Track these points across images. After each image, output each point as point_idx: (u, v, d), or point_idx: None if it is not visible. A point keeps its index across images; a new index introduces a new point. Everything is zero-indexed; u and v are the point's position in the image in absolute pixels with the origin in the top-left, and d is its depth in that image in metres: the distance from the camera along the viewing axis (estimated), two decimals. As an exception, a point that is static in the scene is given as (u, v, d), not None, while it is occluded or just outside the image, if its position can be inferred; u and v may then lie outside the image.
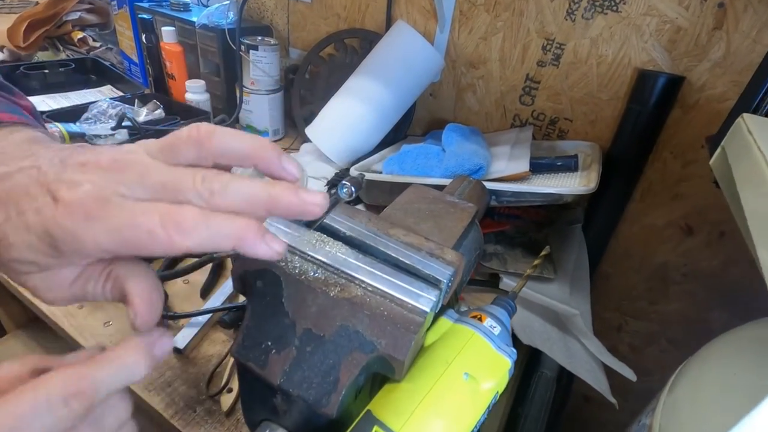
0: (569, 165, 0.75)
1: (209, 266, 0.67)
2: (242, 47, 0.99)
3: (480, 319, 0.31)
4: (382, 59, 0.86)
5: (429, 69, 0.87)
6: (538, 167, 0.75)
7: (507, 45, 0.87)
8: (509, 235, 0.78)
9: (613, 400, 0.58)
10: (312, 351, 0.27)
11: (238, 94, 1.03)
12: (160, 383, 0.52)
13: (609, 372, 0.63)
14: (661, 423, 0.43)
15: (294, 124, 1.12)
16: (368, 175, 0.79)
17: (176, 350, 0.56)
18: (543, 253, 0.44)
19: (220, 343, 0.58)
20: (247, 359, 0.28)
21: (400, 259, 0.30)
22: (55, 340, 0.77)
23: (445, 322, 0.31)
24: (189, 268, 0.63)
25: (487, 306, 0.35)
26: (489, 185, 0.66)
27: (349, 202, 0.82)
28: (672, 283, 0.90)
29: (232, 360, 0.55)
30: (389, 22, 0.98)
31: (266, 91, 1.04)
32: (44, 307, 0.60)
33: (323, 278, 0.28)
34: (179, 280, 0.66)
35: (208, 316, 0.59)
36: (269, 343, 0.28)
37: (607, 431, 1.15)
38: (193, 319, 0.59)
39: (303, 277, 0.28)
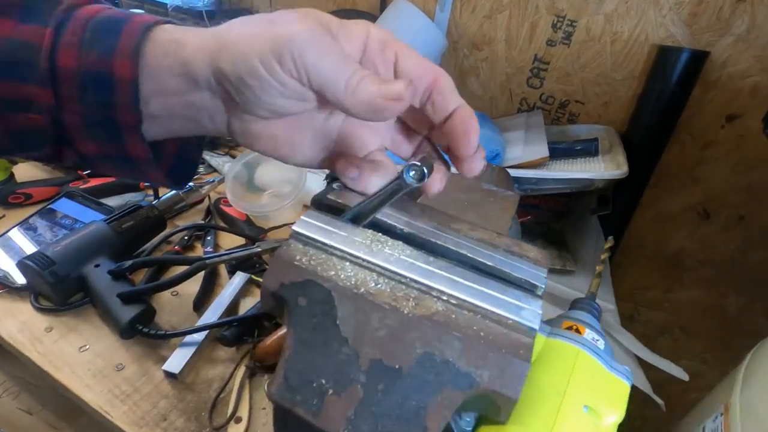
0: (589, 149, 0.70)
1: (200, 275, 0.58)
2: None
3: (578, 331, 0.25)
4: (382, 40, 0.79)
5: (432, 50, 0.80)
6: (555, 153, 0.70)
7: (514, 23, 0.81)
8: (527, 225, 0.73)
9: (659, 400, 0.53)
10: (385, 390, 0.20)
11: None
12: (153, 416, 0.44)
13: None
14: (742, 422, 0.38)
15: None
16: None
17: (169, 375, 0.47)
18: (607, 245, 0.38)
19: (221, 364, 0.50)
20: (293, 403, 0.21)
21: (480, 260, 0.24)
22: (21, 369, 0.66)
23: (537, 338, 0.25)
24: (177, 278, 0.54)
25: (572, 312, 0.29)
26: (511, 172, 0.60)
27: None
28: (687, 270, 0.88)
29: (238, 383, 0.47)
30: (384, 2, 0.91)
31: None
32: (3, 332, 0.50)
33: (389, 290, 0.22)
34: (166, 293, 0.58)
35: (204, 333, 0.51)
36: (323, 381, 0.20)
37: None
38: (188, 338, 0.50)
39: (362, 289, 0.21)
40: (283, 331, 0.49)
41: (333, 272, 0.22)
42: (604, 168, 0.64)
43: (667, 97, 0.69)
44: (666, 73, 0.68)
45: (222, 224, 0.71)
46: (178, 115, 0.25)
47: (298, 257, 0.23)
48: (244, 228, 0.69)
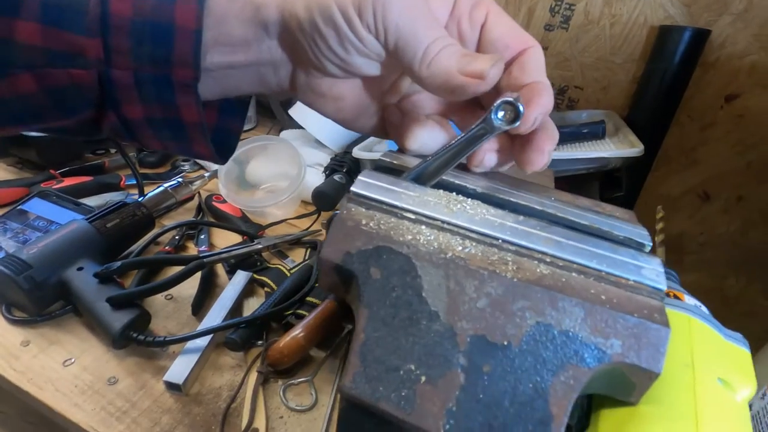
0: (597, 132, 0.68)
1: (197, 276, 0.53)
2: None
3: (676, 298, 0.22)
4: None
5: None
6: (562, 137, 0.68)
7: (511, 8, 0.80)
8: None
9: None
10: (493, 372, 0.16)
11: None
12: (157, 435, 0.38)
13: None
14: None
15: (267, 110, 0.99)
16: (373, 155, 0.68)
17: (172, 387, 0.42)
18: (659, 215, 0.36)
19: (229, 371, 0.45)
20: (376, 398, 0.17)
21: (573, 219, 0.20)
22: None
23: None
24: (172, 280, 0.48)
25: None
26: (526, 155, 0.58)
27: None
28: (688, 254, 0.88)
29: (251, 391, 0.42)
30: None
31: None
32: (-27, 351, 0.43)
33: (480, 254, 0.18)
34: (159, 297, 0.52)
35: (208, 337, 0.45)
36: (412, 367, 0.17)
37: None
38: (189, 344, 0.45)
39: (450, 254, 0.18)
40: (298, 331, 0.45)
41: (410, 236, 0.18)
42: (614, 148, 0.63)
43: (670, 77, 0.68)
44: (668, 53, 0.68)
45: (215, 221, 0.66)
46: (240, 68, 0.22)
47: (363, 221, 0.19)
48: (241, 225, 0.64)
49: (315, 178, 0.72)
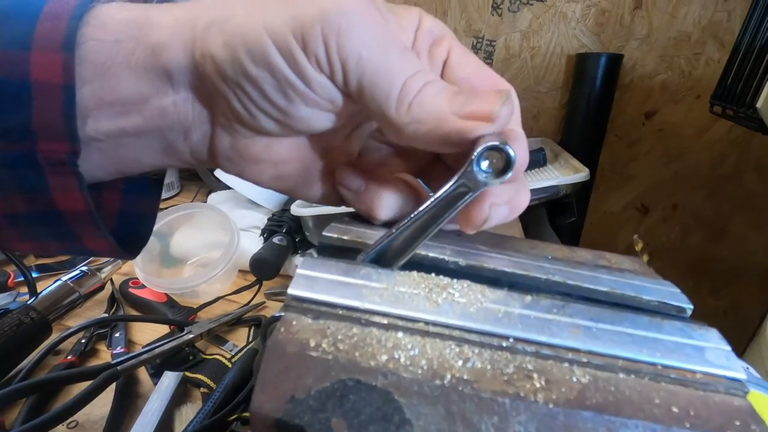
0: (538, 160, 0.68)
1: (111, 388, 0.42)
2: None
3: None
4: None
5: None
6: (505, 168, 0.67)
7: (434, 49, 0.80)
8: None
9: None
10: None
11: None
12: None
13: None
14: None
15: (191, 174, 0.90)
16: (315, 210, 0.62)
17: None
18: (638, 246, 0.33)
19: None
20: None
21: (587, 286, 0.16)
22: None
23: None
24: (75, 403, 0.37)
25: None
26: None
27: (295, 248, 0.64)
28: (638, 266, 0.89)
29: None
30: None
31: (149, 136, 0.81)
32: None
33: (490, 368, 0.12)
34: (61, 427, 0.40)
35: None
36: None
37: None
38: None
39: (448, 377, 0.12)
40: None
41: (385, 356, 0.12)
42: (560, 175, 0.62)
43: (594, 100, 0.71)
44: (589, 78, 0.70)
45: (134, 313, 0.55)
46: (136, 135, 0.16)
47: (312, 342, 0.13)
48: (166, 312, 0.54)
49: (252, 244, 0.64)
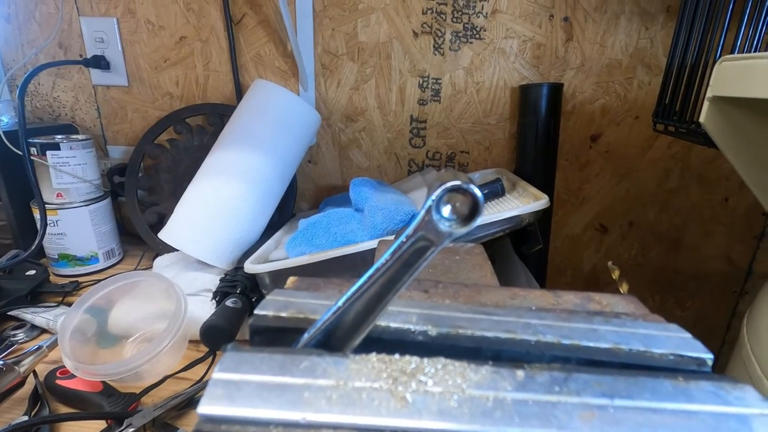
0: (496, 190, 0.68)
1: None
2: (33, 150, 0.70)
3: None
4: (250, 122, 0.69)
5: (306, 127, 0.73)
6: (466, 201, 0.66)
7: (382, 90, 0.80)
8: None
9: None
10: None
11: (39, 216, 0.71)
12: None
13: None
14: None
15: (134, 236, 0.83)
16: (271, 266, 0.58)
17: None
18: (615, 275, 0.31)
19: None
20: None
21: (586, 345, 0.13)
22: None
23: None
24: None
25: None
26: (440, 229, 0.53)
27: (251, 309, 0.59)
28: (605, 285, 0.89)
29: None
30: (239, 92, 0.83)
31: (83, 201, 0.75)
32: None
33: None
34: None
35: None
36: None
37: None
38: None
39: None
40: None
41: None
42: (520, 204, 0.61)
43: (542, 128, 0.72)
44: (534, 108, 0.72)
45: (64, 409, 0.47)
46: None
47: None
48: (102, 404, 0.46)
49: (203, 310, 0.58)
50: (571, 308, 0.16)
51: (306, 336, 0.13)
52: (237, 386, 0.11)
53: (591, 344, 0.13)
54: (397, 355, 0.12)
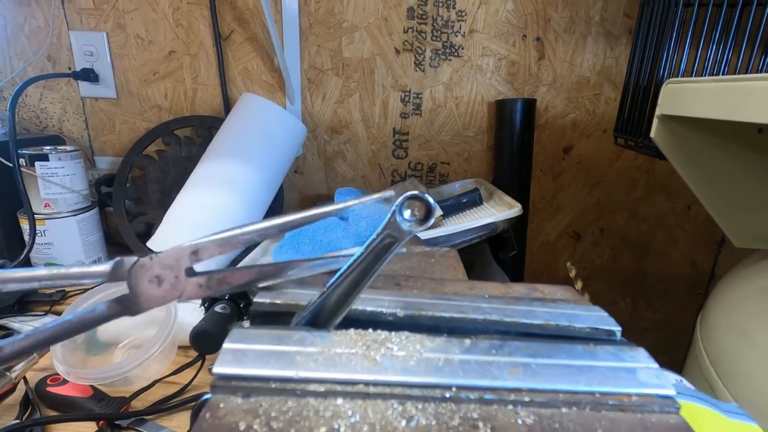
0: (474, 199, 0.71)
1: None
2: (22, 161, 0.71)
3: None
4: (237, 134, 0.72)
5: (292, 139, 0.76)
6: (446, 210, 0.70)
7: (366, 104, 0.84)
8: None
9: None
10: None
11: (28, 226, 0.72)
12: None
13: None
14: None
15: (123, 248, 0.84)
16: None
17: None
18: (572, 273, 0.34)
19: None
20: None
21: (524, 321, 0.16)
22: None
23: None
24: None
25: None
26: (420, 235, 0.56)
27: (240, 315, 0.60)
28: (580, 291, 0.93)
29: None
30: (227, 105, 0.85)
31: (71, 211, 0.76)
32: None
33: (435, 424, 0.12)
34: None
35: None
36: None
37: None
38: None
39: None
40: None
41: (323, 429, 0.11)
42: (496, 212, 0.65)
43: (517, 141, 0.76)
44: (509, 121, 0.76)
45: (53, 413, 0.48)
46: None
47: (242, 425, 0.11)
48: (93, 407, 0.47)
49: (192, 316, 0.60)
50: (518, 296, 0.19)
51: (297, 318, 0.15)
52: (243, 353, 0.13)
53: (527, 321, 0.16)
54: (370, 330, 0.15)
